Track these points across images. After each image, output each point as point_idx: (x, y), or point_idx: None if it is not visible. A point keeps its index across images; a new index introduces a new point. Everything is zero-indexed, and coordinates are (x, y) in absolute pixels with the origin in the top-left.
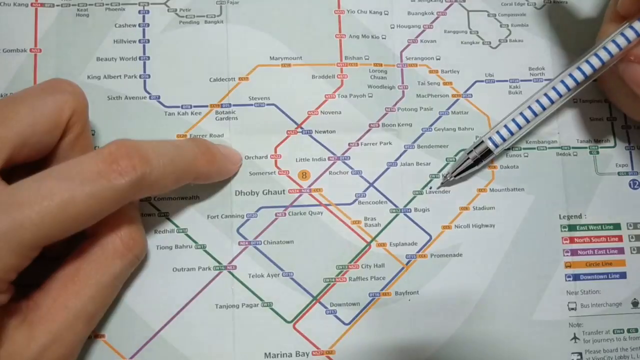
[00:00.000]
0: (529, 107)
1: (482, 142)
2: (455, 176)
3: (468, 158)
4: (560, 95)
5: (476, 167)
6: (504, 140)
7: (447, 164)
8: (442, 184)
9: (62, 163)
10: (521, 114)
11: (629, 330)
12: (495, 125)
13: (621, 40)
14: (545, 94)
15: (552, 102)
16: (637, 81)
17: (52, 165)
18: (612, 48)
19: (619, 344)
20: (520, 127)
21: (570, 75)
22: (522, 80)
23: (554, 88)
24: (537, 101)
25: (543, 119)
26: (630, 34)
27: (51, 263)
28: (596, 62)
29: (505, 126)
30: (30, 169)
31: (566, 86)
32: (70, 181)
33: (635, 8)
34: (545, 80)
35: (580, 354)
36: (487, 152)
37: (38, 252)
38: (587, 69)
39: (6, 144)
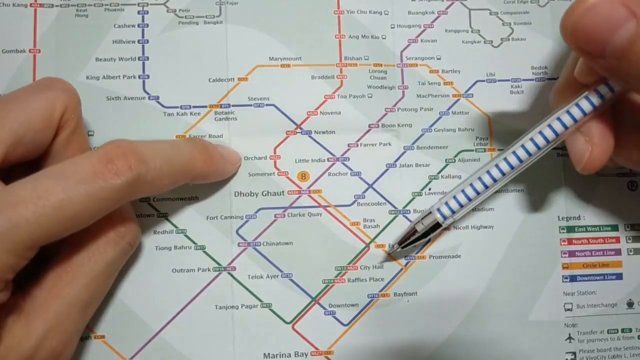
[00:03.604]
0: (479, 179)
1: (430, 213)
2: (402, 247)
3: (415, 230)
4: (512, 167)
5: (424, 240)
6: (453, 212)
7: (446, 165)
8: (390, 254)
9: (58, 163)
10: (471, 185)
11: (623, 330)
12: (444, 196)
13: (575, 112)
14: (496, 165)
15: (504, 174)
16: (577, 157)
17: (49, 164)
18: (567, 120)
19: (613, 343)
20: (470, 199)
21: (523, 146)
22: (524, 80)
23: (504, 159)
24: (488, 172)
25: (494, 191)
26: (585, 105)
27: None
28: (549, 134)
29: (454, 197)
30: (27, 169)
31: (518, 158)
32: (67, 181)
33: (592, 79)
34: (548, 79)
35: (574, 353)
36: (436, 225)
37: (35, 252)
38: (540, 141)
39: (0, 143)
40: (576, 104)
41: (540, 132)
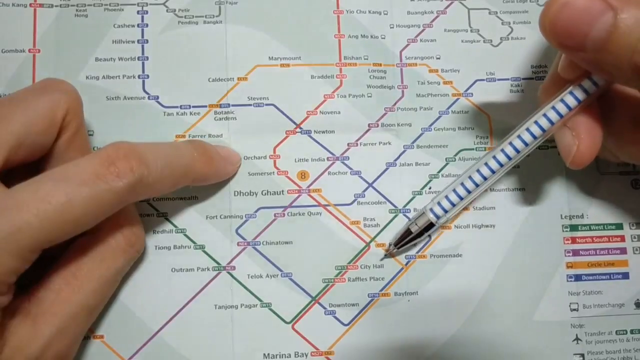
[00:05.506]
0: (470, 177)
1: (423, 213)
2: (398, 248)
3: (409, 230)
4: (501, 165)
5: (419, 239)
6: (446, 211)
7: (446, 164)
8: (386, 256)
9: (60, 166)
10: (462, 184)
11: (632, 331)
12: (436, 196)
13: (561, 107)
14: (486, 164)
15: (493, 172)
16: (565, 152)
17: (50, 166)
18: (553, 116)
19: (622, 345)
20: (461, 198)
21: (511, 144)
22: (523, 79)
23: (494, 157)
24: (478, 171)
25: (485, 189)
26: (570, 100)
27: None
28: (536, 130)
29: (446, 197)
30: (29, 171)
31: (507, 155)
32: (68, 183)
33: (575, 74)
34: None
35: (583, 355)
36: (430, 224)
37: (37, 255)
38: (528, 137)
39: (2, 145)
40: (561, 100)
41: (528, 129)
